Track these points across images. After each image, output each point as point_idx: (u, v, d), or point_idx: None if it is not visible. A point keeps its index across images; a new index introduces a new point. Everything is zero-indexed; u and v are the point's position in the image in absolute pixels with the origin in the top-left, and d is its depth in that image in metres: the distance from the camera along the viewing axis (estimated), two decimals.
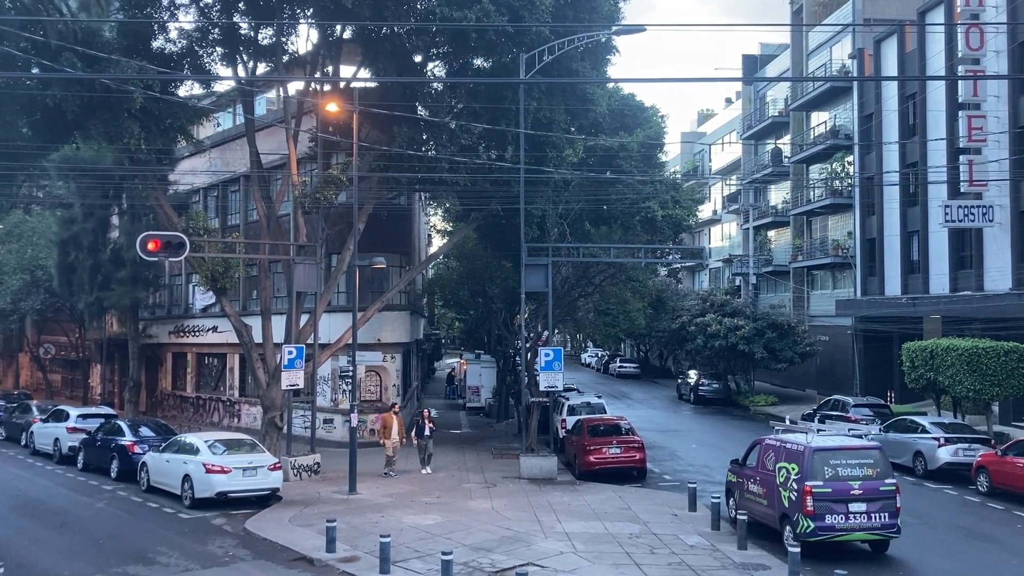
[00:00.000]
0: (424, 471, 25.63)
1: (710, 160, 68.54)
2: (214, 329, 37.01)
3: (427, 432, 26.32)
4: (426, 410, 27.57)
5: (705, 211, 59.97)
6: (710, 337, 44.42)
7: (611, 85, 30.12)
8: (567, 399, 31.71)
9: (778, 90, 54.30)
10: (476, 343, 48.42)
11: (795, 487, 16.00)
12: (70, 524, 19.23)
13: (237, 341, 27.88)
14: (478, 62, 25.96)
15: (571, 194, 27.51)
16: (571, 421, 29.03)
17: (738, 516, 17.02)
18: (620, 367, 64.29)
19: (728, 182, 61.68)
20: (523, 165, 23.92)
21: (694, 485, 20.86)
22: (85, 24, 21.03)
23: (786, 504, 16.30)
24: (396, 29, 24.13)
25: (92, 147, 28.69)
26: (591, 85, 25.98)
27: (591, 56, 25.93)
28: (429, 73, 26.83)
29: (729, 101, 69.52)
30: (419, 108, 26.39)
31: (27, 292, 42.41)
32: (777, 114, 53.23)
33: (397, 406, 27.12)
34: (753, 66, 59.49)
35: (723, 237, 65.44)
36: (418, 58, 26.18)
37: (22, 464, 28.19)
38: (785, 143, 52.27)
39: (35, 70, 21.88)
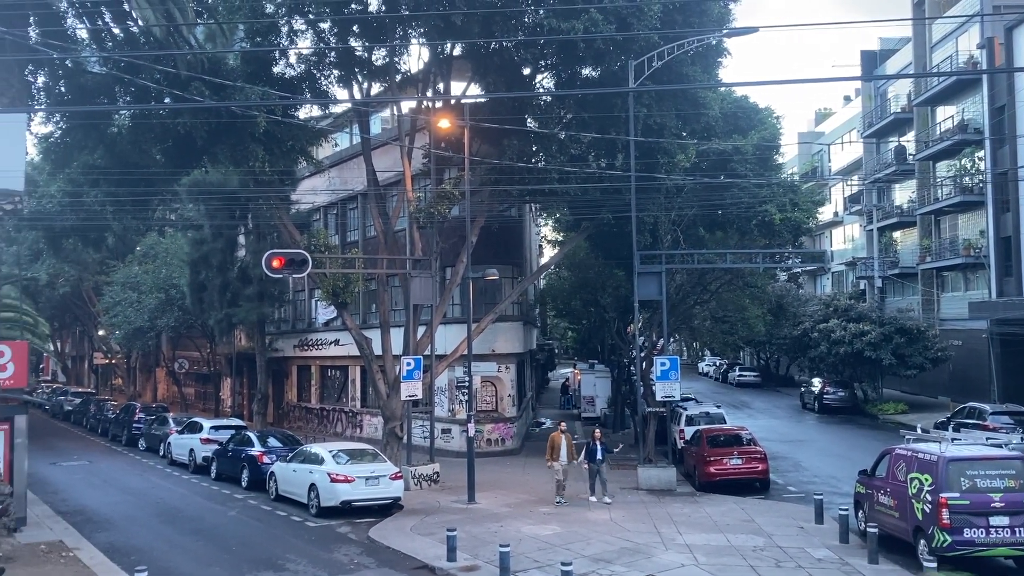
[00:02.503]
0: (593, 499, 22.57)
1: (829, 160, 66.33)
2: (336, 342, 38.15)
3: (599, 455, 22.99)
4: (597, 430, 24.28)
5: (825, 213, 58.01)
6: (834, 344, 42.89)
7: (723, 87, 29.59)
8: (685, 409, 31.19)
9: (900, 86, 52.12)
10: (590, 353, 48.19)
11: (929, 499, 15.23)
12: (205, 531, 20.14)
13: (358, 353, 28.65)
14: (586, 71, 25.95)
15: (684, 200, 27.11)
16: (689, 431, 28.52)
17: (868, 529, 16.33)
18: (740, 376, 62.84)
19: (849, 182, 59.50)
20: (634, 173, 23.74)
21: (820, 497, 20.14)
22: (211, 54, 22.12)
23: (919, 517, 15.54)
24: (505, 43, 24.40)
25: (219, 170, 30.19)
26: (703, 89, 25.59)
27: (702, 59, 25.54)
28: (538, 84, 27.00)
29: (848, 99, 67.18)
30: (528, 120, 26.58)
31: (163, 310, 44.75)
32: (900, 110, 51.05)
33: (563, 425, 24.31)
34: (872, 62, 57.27)
35: (845, 239, 63.14)
36: (527, 70, 26.40)
37: (161, 474, 29.72)
38: (909, 140, 50.03)
39: (167, 100, 23.16)
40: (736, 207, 28.04)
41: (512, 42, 24.12)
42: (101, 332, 56.79)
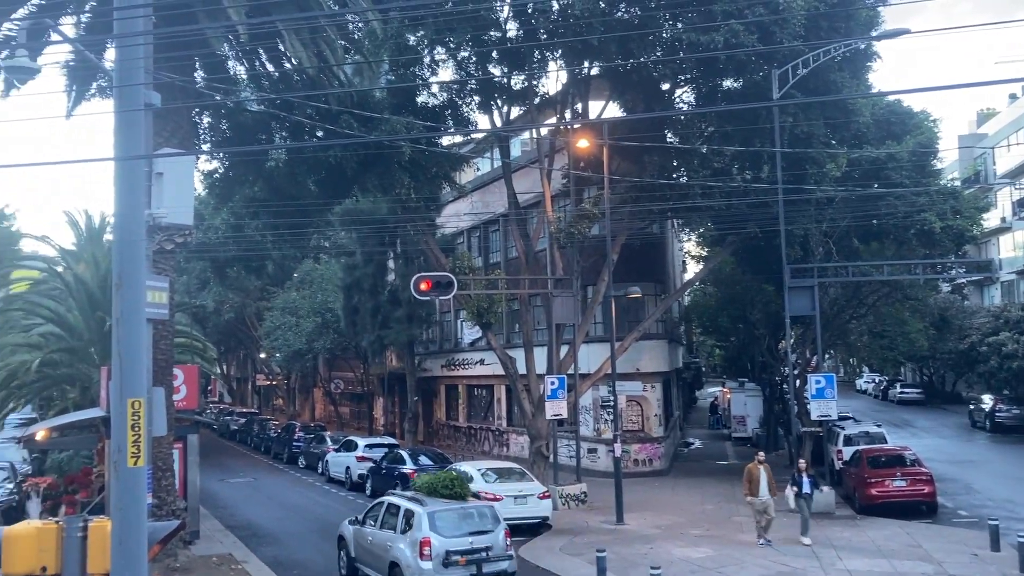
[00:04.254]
0: (806, 540, 19.68)
1: (994, 163, 62.16)
2: (481, 362, 38.76)
3: (807, 489, 20.18)
4: (802, 461, 21.52)
5: (992, 219, 54.31)
6: (1006, 358, 40.00)
7: (874, 90, 28.31)
8: (842, 428, 29.82)
9: None
10: (739, 371, 46.95)
11: None
12: None
13: (503, 373, 29.00)
14: (728, 83, 25.44)
15: (835, 210, 26.06)
16: (848, 452, 27.25)
17: None
18: (901, 393, 59.53)
19: (1018, 186, 55.53)
20: (781, 185, 23.02)
21: (996, 522, 18.76)
22: (359, 89, 23.08)
23: None
24: (643, 60, 24.28)
25: (368, 199, 31.35)
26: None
27: (850, 65, 24.53)
28: (678, 99, 26.69)
29: (1014, 97, 62.80)
30: (669, 135, 26.29)
31: (319, 333, 46.78)
32: None
33: (761, 454, 21.03)
34: None
35: (1015, 247, 58.86)
36: (665, 86, 26.16)
37: (320, 490, 30.97)
38: None
39: (319, 133, 24.33)
40: (892, 216, 26.70)
41: (650, 59, 23.96)
42: (263, 355, 59.98)
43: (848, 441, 28.45)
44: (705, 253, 41.73)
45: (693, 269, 47.24)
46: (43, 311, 30.25)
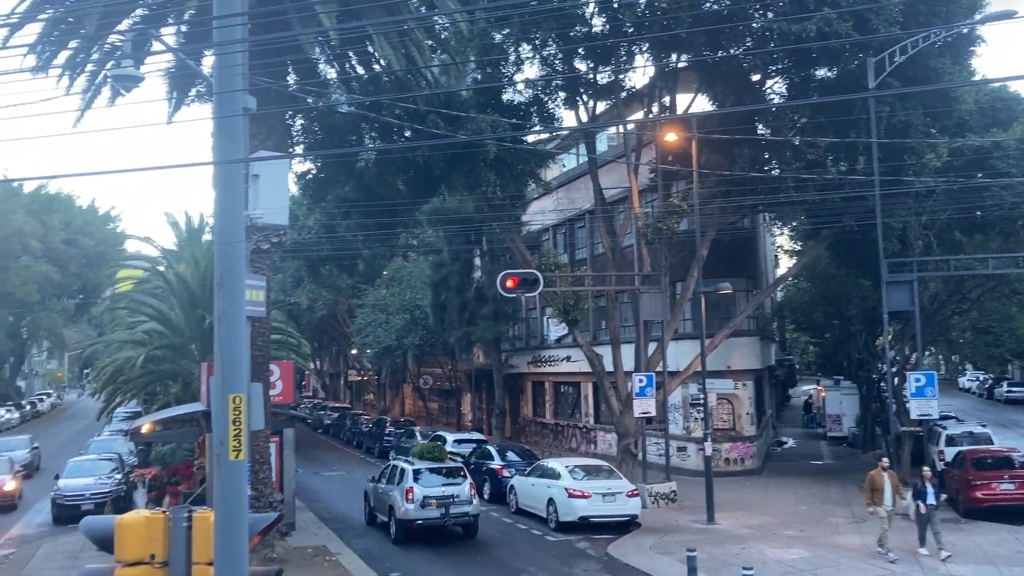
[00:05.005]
0: (923, 551, 18.28)
1: None
2: (568, 359, 38.72)
3: (930, 499, 18.51)
4: (926, 468, 19.66)
5: None
6: None
7: (978, 77, 27.13)
8: (944, 428, 28.72)
9: None
10: (834, 368, 45.60)
11: None
12: (449, 541, 21.05)
13: (590, 370, 28.91)
14: (821, 72, 24.75)
15: (935, 202, 25.07)
16: (950, 452, 26.23)
17: None
18: (1008, 392, 56.90)
19: None
20: (877, 177, 22.26)
21: None
22: (446, 90, 23.35)
23: None
24: (732, 51, 23.83)
25: (455, 197, 31.70)
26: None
27: (951, 50, 23.55)
28: (768, 90, 26.09)
29: None
30: (759, 127, 25.72)
31: (408, 330, 47.50)
32: None
33: (886, 460, 19.64)
34: None
35: None
36: (756, 77, 25.61)
37: None
38: None
39: (407, 133, 24.70)
40: (998, 207, 25.53)
41: (740, 50, 23.50)
42: (354, 351, 61.26)
43: (951, 441, 27.41)
44: (798, 248, 40.73)
45: (786, 264, 46.19)
46: (147, 309, 31.58)
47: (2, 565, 19.46)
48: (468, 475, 21.90)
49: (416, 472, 20.88)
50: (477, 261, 42.31)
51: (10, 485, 27.78)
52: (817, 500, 25.49)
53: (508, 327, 42.47)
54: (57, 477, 26.35)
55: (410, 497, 20.23)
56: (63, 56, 18.66)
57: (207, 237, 54.99)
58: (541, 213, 38.05)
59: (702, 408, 24.29)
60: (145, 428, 24.97)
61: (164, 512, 5.71)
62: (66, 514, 24.66)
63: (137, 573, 5.57)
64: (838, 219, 25.88)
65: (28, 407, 72.78)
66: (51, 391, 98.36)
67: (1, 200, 65.81)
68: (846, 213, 25.18)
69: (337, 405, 62.92)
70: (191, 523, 5.68)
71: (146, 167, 11.33)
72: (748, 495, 26.54)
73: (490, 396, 46.73)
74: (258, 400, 14.03)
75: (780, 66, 24.79)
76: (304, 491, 28.05)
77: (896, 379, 27.05)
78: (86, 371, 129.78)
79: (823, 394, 46.18)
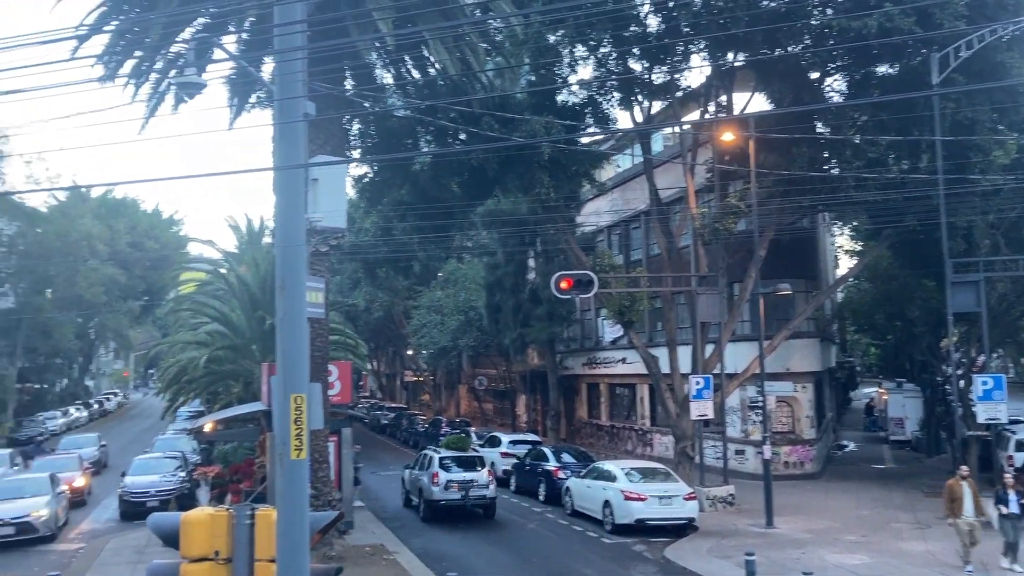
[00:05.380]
0: (1006, 563, 17.50)
1: None
2: (623, 360, 38.53)
3: (1015, 508, 17.49)
4: (1008, 475, 18.63)
5: None
6: None
7: None
8: (1013, 433, 27.89)
9: None
10: (896, 371, 44.61)
11: None
12: (507, 541, 21.15)
13: (645, 372, 28.73)
14: (882, 69, 24.25)
15: (1003, 200, 24.34)
16: (1020, 458, 25.47)
17: None
18: None
19: None
20: (941, 175, 21.72)
21: None
22: (500, 93, 23.46)
23: None
24: (790, 49, 23.47)
25: (509, 198, 31.77)
26: None
27: (1019, 44, 22.85)
28: (827, 87, 25.64)
29: None
30: (818, 125, 25.28)
31: (463, 331, 47.77)
32: None
33: (965, 469, 18.76)
34: None
35: None
36: (814, 74, 25.19)
37: None
38: None
39: (462, 136, 24.87)
40: None
41: (798, 47, 23.14)
42: (410, 352, 61.79)
43: (1021, 446, 26.62)
44: (859, 248, 39.94)
45: (846, 264, 45.33)
46: (209, 310, 32.26)
47: (73, 559, 20.08)
48: (486, 463, 25.39)
49: (442, 460, 24.22)
50: (531, 262, 42.35)
51: (80, 481, 28.63)
52: (879, 505, 24.97)
53: (562, 328, 42.41)
54: (124, 474, 27.09)
55: (436, 481, 23.61)
56: (129, 65, 19.21)
57: (267, 240, 56.03)
58: (596, 214, 37.93)
59: (761, 411, 23.94)
60: (208, 427, 25.55)
61: (227, 510, 5.85)
62: (132, 510, 25.35)
63: (202, 569, 5.72)
64: (901, 218, 25.31)
65: (96, 406, 75.01)
66: (117, 390, 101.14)
67: (70, 205, 67.93)
68: (909, 212, 24.60)
69: (393, 405, 63.56)
70: (254, 520, 5.81)
71: (208, 173, 11.59)
72: (808, 499, 26.13)
73: (545, 397, 46.73)
74: (317, 400, 14.23)
75: (840, 63, 24.35)
76: (362, 490, 28.39)
77: (961, 382, 26.36)
78: (150, 371, 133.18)
79: (885, 397, 45.23)
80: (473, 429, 40.84)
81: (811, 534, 20.95)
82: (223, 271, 35.45)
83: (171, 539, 5.83)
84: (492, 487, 24.11)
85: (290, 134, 8.27)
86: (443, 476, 23.64)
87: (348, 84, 21.00)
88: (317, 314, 13.14)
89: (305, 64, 13.17)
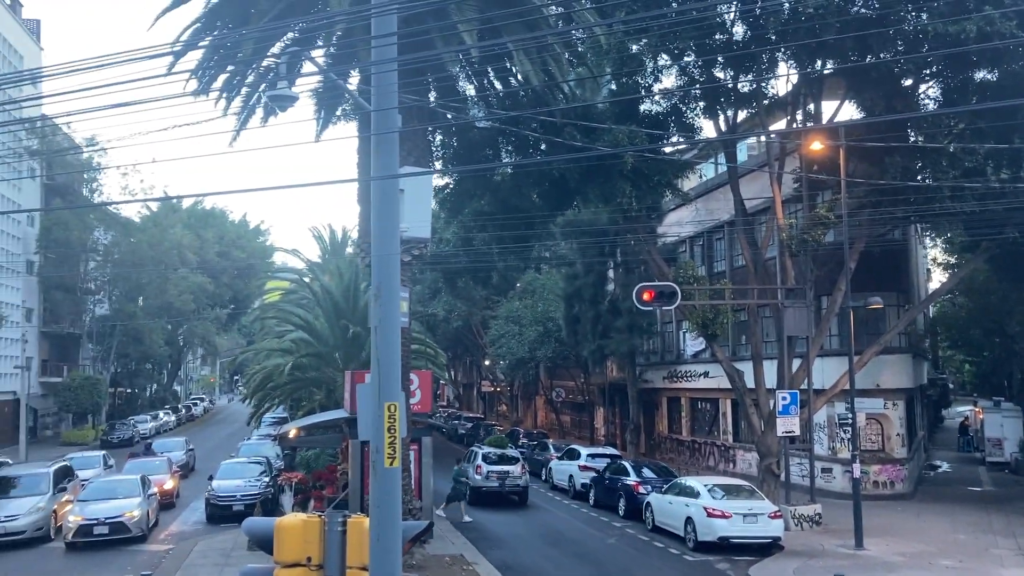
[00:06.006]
0: None
1: None
2: (705, 375, 37.85)
3: None
4: None
5: None
6: None
7: None
8: None
9: None
10: (993, 388, 42.81)
11: None
12: (587, 556, 20.90)
13: (728, 386, 28.15)
14: (980, 75, 23.31)
15: None
16: None
17: None
18: None
19: None
20: None
21: None
22: (583, 102, 23.37)
23: None
24: (883, 56, 22.75)
25: (589, 209, 31.59)
26: None
27: None
28: (922, 94, 24.78)
29: None
30: (912, 134, 24.44)
31: (541, 342, 47.67)
32: None
33: None
34: None
35: None
36: (908, 81, 24.38)
37: (543, 497, 31.46)
38: None
39: (543, 147, 24.81)
40: None
41: (891, 54, 22.41)
42: (487, 362, 61.96)
43: None
44: (954, 260, 38.46)
45: (939, 278, 43.71)
46: (294, 318, 32.92)
47: (163, 559, 20.63)
48: (520, 458, 31.19)
49: (484, 455, 29.93)
50: (610, 273, 42.01)
51: (169, 484, 29.48)
52: (977, 529, 23.87)
53: (643, 341, 41.92)
54: (211, 478, 27.77)
55: (479, 471, 29.03)
56: (221, 79, 19.76)
57: (348, 250, 56.96)
58: (678, 224, 37.43)
59: (850, 428, 23.16)
60: (292, 433, 25.99)
61: (320, 516, 5.86)
62: (219, 513, 25.97)
63: (294, 574, 5.74)
64: (1000, 230, 24.27)
65: (183, 411, 77.36)
66: (204, 396, 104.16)
67: (162, 216, 70.46)
68: (1009, 223, 23.57)
69: (470, 415, 63.83)
70: (345, 528, 5.80)
71: (297, 183, 11.77)
72: (899, 520, 25.16)
73: (623, 411, 46.23)
74: (401, 408, 14.39)
75: (934, 69, 23.51)
76: (441, 499, 28.49)
77: None
78: (235, 377, 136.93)
79: (981, 416, 43.33)
80: (550, 441, 40.65)
81: (904, 557, 20.14)
82: (307, 280, 36.21)
83: (264, 543, 5.87)
84: (525, 478, 29.52)
85: (386, 145, 8.33)
86: (484, 468, 29.10)
87: (432, 96, 21.20)
88: (402, 323, 13.18)
89: (394, 77, 13.32)
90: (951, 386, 63.94)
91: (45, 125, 43.15)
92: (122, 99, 11.51)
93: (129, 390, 76.98)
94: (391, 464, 6.65)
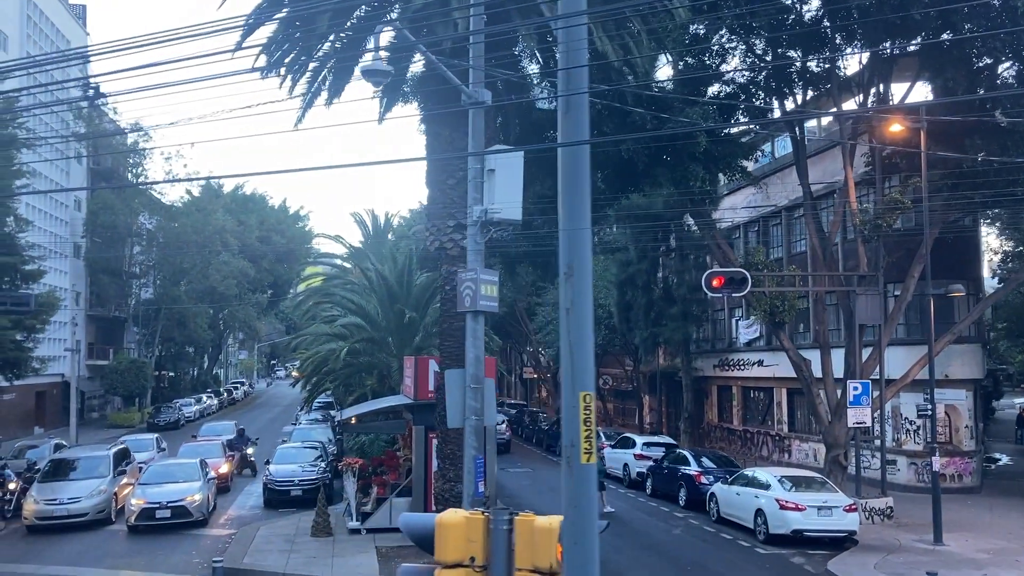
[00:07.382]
0: None
1: None
2: (759, 363, 37.10)
3: None
4: None
5: None
6: None
7: None
8: None
9: None
10: None
11: None
12: (655, 547, 20.44)
13: (784, 375, 27.50)
14: None
15: None
16: None
17: None
18: None
19: None
20: None
21: None
22: (655, 82, 22.70)
23: None
24: (965, 35, 21.87)
25: (641, 194, 30.88)
26: None
27: None
28: (1004, 73, 23.84)
29: None
30: (996, 114, 23.50)
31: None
32: None
33: None
34: None
35: None
36: (988, 60, 23.45)
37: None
38: None
39: (606, 128, 24.14)
40: None
41: (977, 30, 21.52)
42: (529, 348, 61.47)
43: None
44: (1010, 249, 37.25)
45: (990, 265, 42.44)
46: (348, 303, 32.67)
47: (227, 545, 20.46)
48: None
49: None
50: (661, 259, 41.24)
51: (224, 467, 29.38)
52: None
53: (696, 329, 41.19)
54: (268, 463, 27.62)
55: None
56: (289, 57, 19.32)
57: (390, 237, 56.62)
58: (731, 209, 36.65)
59: (928, 419, 22.43)
60: (353, 419, 25.74)
61: (483, 513, 5.41)
62: (276, 498, 25.83)
63: None
64: None
65: (225, 394, 77.85)
66: (243, 380, 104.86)
67: (205, 201, 70.68)
68: None
69: (514, 402, 63.48)
70: (512, 526, 5.35)
71: (362, 163, 11.23)
72: (971, 515, 24.42)
73: (671, 399, 45.58)
74: (491, 396, 13.95)
75: (1019, 46, 22.56)
76: (496, 486, 28.19)
77: None
78: (273, 361, 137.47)
79: None
80: (600, 429, 40.13)
81: (987, 554, 19.44)
82: (348, 265, 35.98)
83: (424, 542, 5.44)
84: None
85: (575, 112, 7.35)
86: None
87: (501, 74, 20.65)
88: (491, 308, 12.77)
89: (480, 50, 12.82)
90: (1000, 377, 62.35)
91: (103, 104, 43.19)
92: (174, 79, 11.05)
93: (172, 373, 77.59)
94: (588, 459, 6.12)
